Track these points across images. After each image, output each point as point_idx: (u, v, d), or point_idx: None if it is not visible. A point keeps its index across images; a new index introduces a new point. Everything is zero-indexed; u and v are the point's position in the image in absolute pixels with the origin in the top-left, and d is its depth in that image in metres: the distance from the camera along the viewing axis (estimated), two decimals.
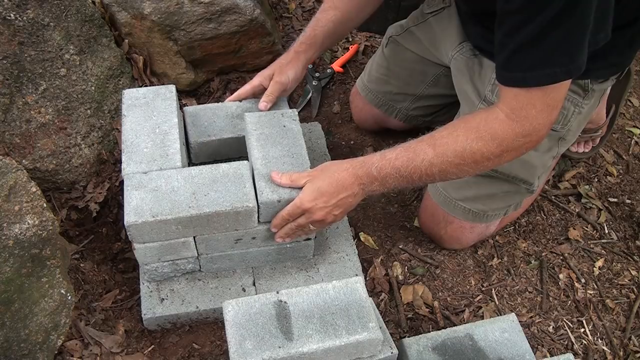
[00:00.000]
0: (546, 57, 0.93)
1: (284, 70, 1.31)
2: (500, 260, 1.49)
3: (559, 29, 0.90)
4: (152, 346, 1.23)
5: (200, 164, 1.21)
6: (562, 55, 0.93)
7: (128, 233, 1.10)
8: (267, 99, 1.31)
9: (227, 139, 1.33)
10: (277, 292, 1.01)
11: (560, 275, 1.47)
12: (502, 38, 0.98)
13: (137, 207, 1.09)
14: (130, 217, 1.08)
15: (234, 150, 1.35)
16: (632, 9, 1.10)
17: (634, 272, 1.50)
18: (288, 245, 1.27)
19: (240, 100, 1.37)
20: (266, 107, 1.31)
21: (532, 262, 1.49)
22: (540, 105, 0.98)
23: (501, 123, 1.00)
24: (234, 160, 1.21)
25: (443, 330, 1.15)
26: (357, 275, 1.32)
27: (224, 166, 1.19)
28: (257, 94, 1.35)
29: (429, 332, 1.32)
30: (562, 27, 0.89)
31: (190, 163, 1.35)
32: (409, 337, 1.14)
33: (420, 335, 1.14)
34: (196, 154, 1.34)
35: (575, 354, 1.34)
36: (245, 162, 1.21)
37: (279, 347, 0.94)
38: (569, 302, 1.43)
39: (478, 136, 1.02)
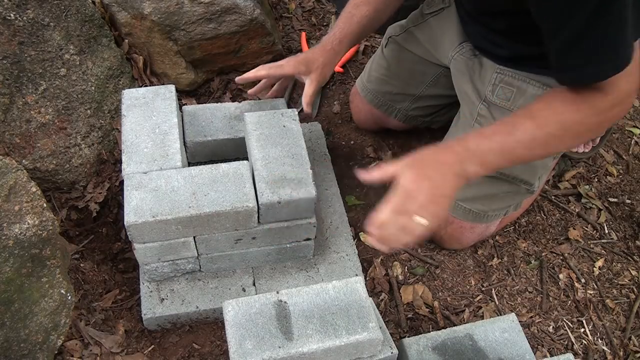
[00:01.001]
0: (593, 56, 0.93)
1: (321, 71, 1.29)
2: (500, 260, 1.49)
3: (599, 25, 0.88)
4: (152, 346, 1.23)
5: (197, 164, 1.21)
6: (608, 51, 0.92)
7: (128, 233, 1.10)
8: (309, 100, 1.28)
9: (224, 139, 1.33)
10: (277, 292, 1.01)
11: (560, 275, 1.47)
12: (548, 41, 0.96)
13: (137, 207, 1.09)
14: (130, 217, 1.08)
15: (231, 151, 1.36)
16: None
17: (634, 272, 1.50)
18: (288, 245, 1.27)
19: (239, 102, 1.37)
20: (311, 109, 1.29)
21: (532, 262, 1.49)
22: (630, 77, 0.96)
23: (595, 93, 0.98)
24: (231, 161, 1.21)
25: (443, 330, 1.15)
26: (357, 275, 1.32)
27: (224, 166, 1.19)
28: (283, 83, 1.34)
29: (429, 332, 1.33)
30: (603, 21, 0.88)
31: (188, 163, 1.35)
32: (409, 337, 1.14)
33: (420, 336, 1.14)
34: (192, 154, 1.34)
35: (575, 354, 1.34)
36: (245, 162, 1.21)
37: (279, 347, 0.94)
38: (569, 302, 1.43)
39: (577, 108, 0.98)
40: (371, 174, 1.01)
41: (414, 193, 0.95)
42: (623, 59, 0.93)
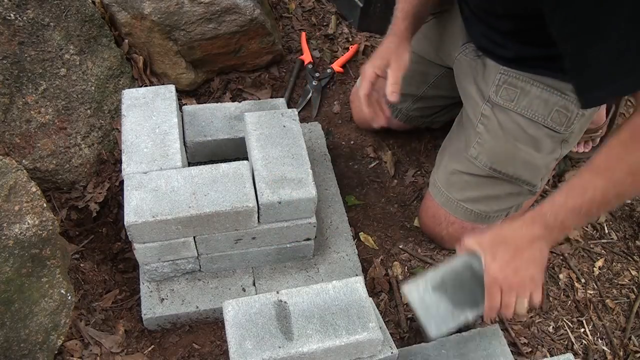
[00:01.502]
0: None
1: (400, 54, 1.25)
2: None
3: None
4: (152, 346, 1.23)
5: (197, 164, 1.21)
6: None
7: (128, 233, 1.10)
8: (395, 88, 1.23)
9: (224, 139, 1.33)
10: (277, 292, 1.01)
11: (560, 275, 1.47)
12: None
13: (137, 207, 1.10)
14: (130, 217, 1.08)
15: (231, 151, 1.36)
16: None
17: (634, 272, 1.50)
18: (288, 245, 1.27)
19: (239, 102, 1.36)
20: (397, 98, 1.23)
21: None
22: None
23: None
24: (231, 161, 1.21)
25: (440, 267, 1.11)
26: (357, 275, 1.32)
27: (224, 166, 1.19)
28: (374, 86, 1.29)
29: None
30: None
31: (188, 163, 1.35)
32: (407, 283, 1.10)
33: (417, 280, 1.09)
34: (192, 154, 1.34)
35: (575, 354, 1.34)
36: (245, 162, 1.21)
37: (279, 347, 0.94)
38: (569, 302, 1.43)
39: (638, 145, 0.95)
40: (466, 242, 1.05)
41: (504, 282, 1.01)
42: None
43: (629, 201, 1.65)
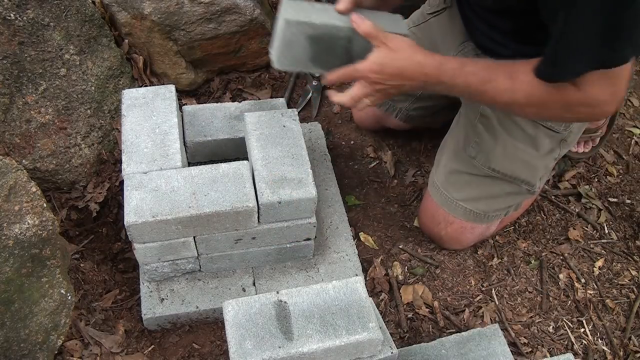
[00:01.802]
0: (612, 40, 0.91)
1: None
2: (500, 260, 1.49)
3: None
4: (152, 346, 1.23)
5: (197, 164, 1.21)
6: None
7: (128, 233, 1.10)
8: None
9: (224, 139, 1.33)
10: (277, 292, 1.01)
11: (560, 275, 1.47)
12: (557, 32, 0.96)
13: (137, 207, 1.10)
14: (130, 217, 1.08)
15: (230, 151, 1.35)
16: None
17: (634, 272, 1.50)
18: (288, 245, 1.27)
19: (239, 102, 1.35)
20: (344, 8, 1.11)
21: (532, 262, 1.49)
22: (619, 82, 0.98)
23: (569, 85, 1.00)
24: (231, 161, 1.21)
25: (325, 24, 1.06)
26: (357, 275, 1.32)
27: (223, 166, 1.19)
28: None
29: (429, 332, 1.33)
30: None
31: (188, 163, 1.35)
32: (291, 16, 1.03)
33: (302, 20, 1.04)
34: (192, 154, 1.34)
35: (575, 354, 1.34)
36: (245, 162, 1.21)
37: (279, 347, 0.94)
38: (569, 302, 1.43)
39: (549, 89, 1.01)
40: (363, 25, 1.05)
41: (366, 80, 1.06)
42: (617, 58, 0.93)
43: (629, 201, 1.65)
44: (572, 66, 0.96)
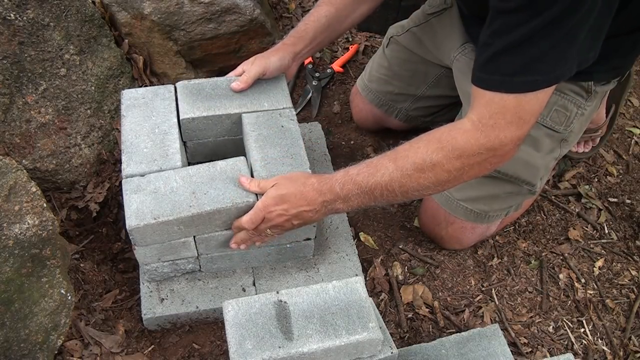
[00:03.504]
0: (529, 64, 0.90)
1: (267, 55, 1.26)
2: (500, 260, 1.49)
3: (549, 37, 0.87)
4: (152, 346, 1.23)
5: (197, 163, 1.21)
6: (545, 64, 0.90)
7: (130, 237, 1.10)
8: (242, 79, 1.25)
9: (224, 139, 1.33)
10: (277, 292, 1.01)
11: (560, 275, 1.47)
12: (487, 37, 0.93)
13: (137, 210, 1.09)
14: (131, 220, 1.08)
15: (230, 150, 1.35)
16: (635, 16, 1.10)
17: (634, 272, 1.50)
18: (288, 245, 1.27)
19: None
20: (238, 87, 1.25)
21: (532, 262, 1.49)
22: (510, 116, 0.94)
23: (465, 133, 0.96)
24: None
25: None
26: (357, 275, 1.32)
27: (221, 163, 1.18)
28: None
29: (429, 332, 1.33)
30: (553, 35, 0.87)
31: (188, 163, 1.35)
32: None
33: None
34: (192, 154, 1.34)
35: (575, 354, 1.34)
36: (242, 157, 1.21)
37: (279, 347, 0.94)
38: (569, 302, 1.43)
39: (439, 147, 0.97)
40: (250, 186, 1.12)
41: (269, 217, 1.08)
42: (556, 76, 0.92)
43: (629, 201, 1.65)
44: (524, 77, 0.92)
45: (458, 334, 1.19)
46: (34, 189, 1.08)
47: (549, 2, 0.84)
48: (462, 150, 0.96)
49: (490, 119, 0.94)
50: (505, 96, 0.92)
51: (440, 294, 1.41)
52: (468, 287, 1.43)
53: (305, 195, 1.06)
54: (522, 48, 0.89)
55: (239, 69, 1.29)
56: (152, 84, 1.65)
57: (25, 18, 1.30)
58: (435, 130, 1.01)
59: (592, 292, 1.45)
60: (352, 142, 1.71)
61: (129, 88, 1.47)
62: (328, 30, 1.33)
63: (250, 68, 1.26)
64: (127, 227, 1.07)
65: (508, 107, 0.93)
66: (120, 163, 1.17)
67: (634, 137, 1.82)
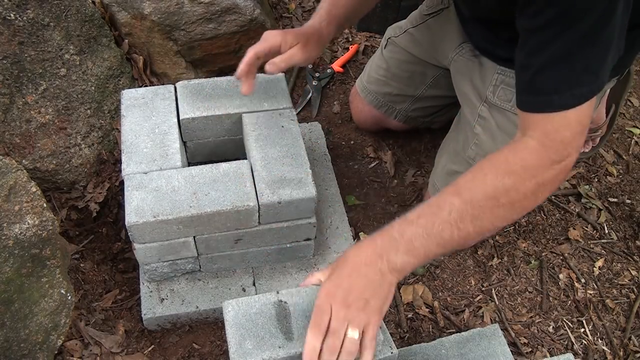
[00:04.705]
0: (574, 77, 0.87)
1: (309, 49, 1.14)
2: (500, 260, 1.49)
3: (587, 47, 0.85)
4: (152, 346, 1.23)
5: (197, 164, 1.21)
6: (588, 74, 0.87)
7: (129, 233, 1.10)
8: (280, 61, 1.09)
9: (224, 139, 1.33)
10: (277, 292, 1.01)
11: (560, 275, 1.47)
12: (524, 59, 0.90)
13: (138, 208, 1.09)
14: (131, 217, 1.08)
15: (230, 151, 1.35)
16: (634, 12, 1.10)
17: (634, 272, 1.50)
18: (288, 245, 1.27)
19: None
20: (271, 70, 1.09)
21: (532, 262, 1.49)
22: (575, 127, 0.89)
23: (532, 151, 0.90)
24: (231, 161, 1.21)
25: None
26: None
27: (224, 165, 1.19)
28: (271, 54, 1.13)
29: (429, 332, 1.33)
30: (591, 44, 0.85)
31: (188, 163, 1.35)
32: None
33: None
34: (192, 154, 1.34)
35: (575, 354, 1.34)
36: (245, 161, 1.21)
37: (279, 347, 0.94)
38: (569, 302, 1.43)
39: (508, 170, 0.89)
40: (305, 282, 0.98)
41: (332, 309, 0.87)
42: (600, 83, 0.89)
43: (629, 201, 1.65)
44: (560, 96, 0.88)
45: (458, 334, 1.19)
46: (34, 189, 1.08)
47: (579, 11, 0.82)
48: (536, 170, 0.90)
49: (557, 133, 0.89)
50: (567, 111, 0.89)
51: (440, 294, 1.41)
52: (468, 287, 1.43)
53: (359, 259, 0.90)
54: (562, 63, 0.87)
55: (275, 41, 1.12)
56: (152, 84, 1.65)
57: (25, 18, 1.30)
58: (495, 156, 0.93)
59: (592, 292, 1.45)
60: (352, 142, 1.72)
61: (129, 88, 1.48)
62: (353, 13, 1.25)
63: (291, 53, 1.11)
64: (126, 223, 1.08)
65: (571, 119, 0.89)
66: (120, 163, 1.18)
67: (634, 137, 1.82)
